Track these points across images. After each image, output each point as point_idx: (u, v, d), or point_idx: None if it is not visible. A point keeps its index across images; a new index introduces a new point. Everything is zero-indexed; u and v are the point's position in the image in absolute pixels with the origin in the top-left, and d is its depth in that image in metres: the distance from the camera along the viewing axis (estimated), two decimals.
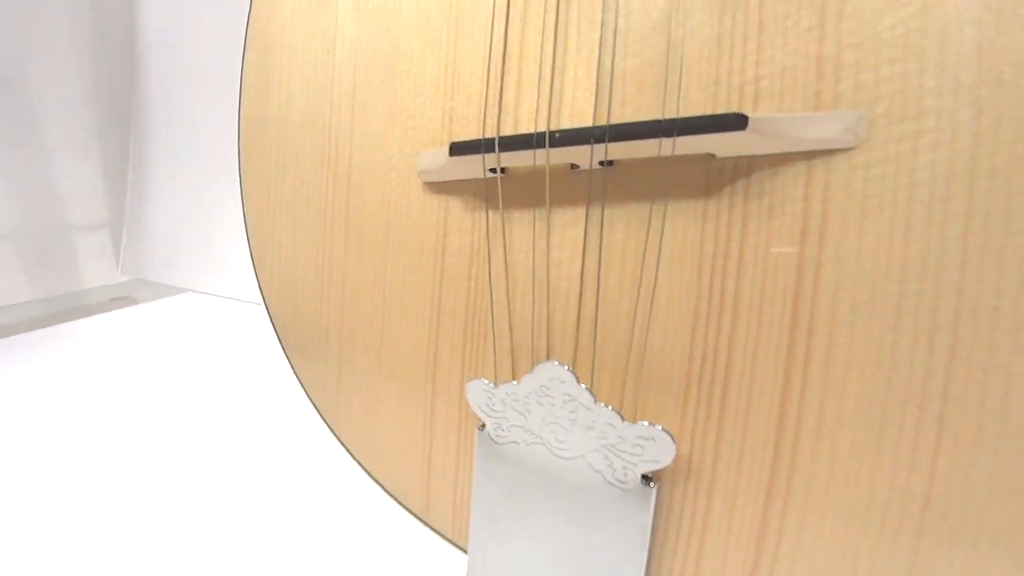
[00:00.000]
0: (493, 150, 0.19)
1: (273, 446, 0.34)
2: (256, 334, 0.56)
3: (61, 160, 0.70)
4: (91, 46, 0.71)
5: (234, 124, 0.34)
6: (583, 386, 0.18)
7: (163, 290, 0.69)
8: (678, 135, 0.16)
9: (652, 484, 0.17)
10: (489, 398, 0.20)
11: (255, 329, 0.57)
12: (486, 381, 0.20)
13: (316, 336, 0.29)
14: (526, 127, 0.20)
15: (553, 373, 0.18)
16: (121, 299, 0.65)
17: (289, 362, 0.31)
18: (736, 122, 0.15)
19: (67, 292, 0.68)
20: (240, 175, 0.32)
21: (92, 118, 0.73)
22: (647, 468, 0.17)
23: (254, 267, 0.31)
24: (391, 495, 0.28)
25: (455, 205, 0.23)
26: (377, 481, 0.28)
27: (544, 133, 0.18)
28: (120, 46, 0.73)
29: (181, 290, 0.69)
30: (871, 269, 0.15)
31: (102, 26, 0.72)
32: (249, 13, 0.31)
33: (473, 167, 0.21)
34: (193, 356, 0.49)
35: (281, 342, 0.31)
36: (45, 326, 0.57)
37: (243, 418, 0.38)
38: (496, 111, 0.21)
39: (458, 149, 0.20)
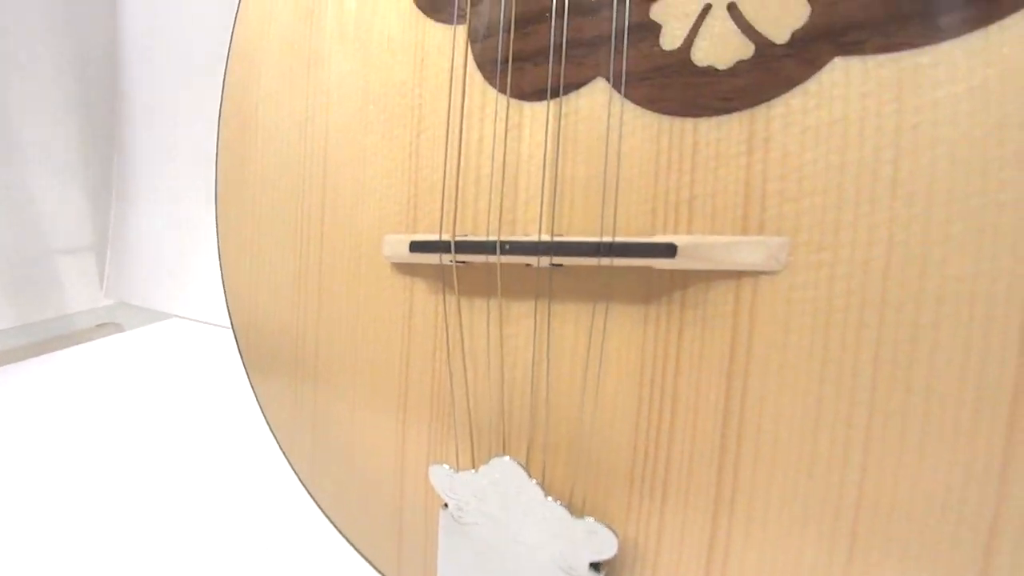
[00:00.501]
0: (449, 251, 0.20)
1: (260, 490, 0.35)
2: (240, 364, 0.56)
3: (44, 183, 0.70)
4: (74, 69, 0.71)
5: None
6: (534, 481, 0.19)
7: (148, 316, 0.70)
8: (615, 256, 0.17)
9: (601, 571, 0.19)
10: (450, 482, 0.21)
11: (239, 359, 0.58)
12: (447, 466, 0.21)
13: (292, 404, 0.30)
14: (483, 225, 0.21)
15: (506, 468, 0.19)
16: (106, 326, 0.66)
17: (269, 427, 0.32)
18: (666, 251, 0.16)
19: (51, 317, 0.69)
20: (217, 233, 0.33)
21: (75, 141, 0.73)
22: (594, 558, 0.18)
23: (233, 332, 0.32)
24: (367, 560, 0.29)
25: (420, 287, 0.24)
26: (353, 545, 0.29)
27: (495, 242, 0.19)
28: (103, 68, 0.73)
29: (166, 315, 0.70)
30: (792, 383, 0.16)
31: (85, 49, 0.71)
32: (224, 82, 0.32)
33: (433, 257, 0.22)
34: (179, 390, 0.50)
35: (262, 409, 0.32)
36: (30, 356, 0.57)
37: (228, 456, 0.39)
38: (454, 207, 0.22)
39: (417, 247, 0.21)
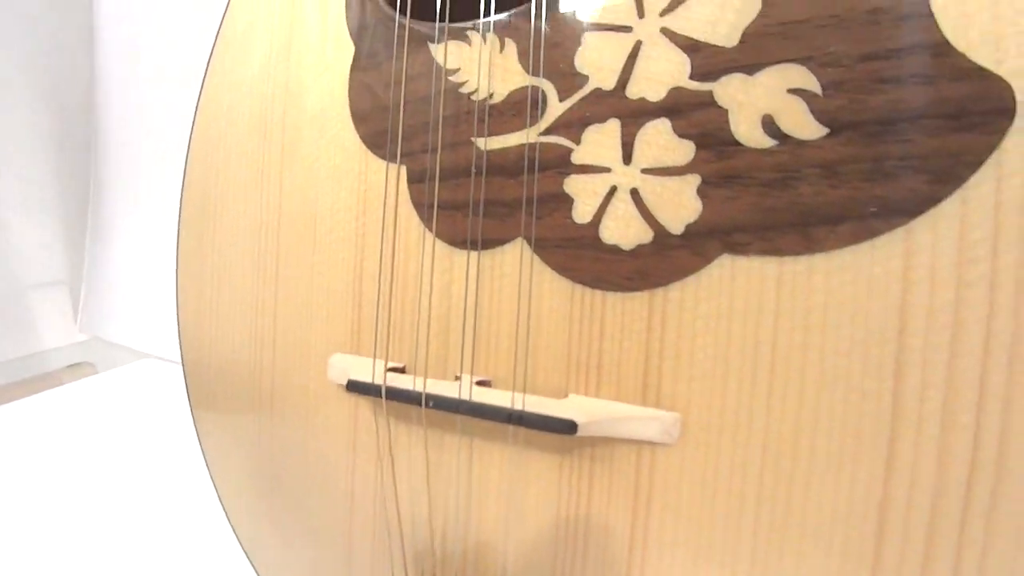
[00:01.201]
0: (381, 396, 0.21)
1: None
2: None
3: (19, 218, 0.70)
4: (50, 103, 0.71)
5: None
6: None
7: (123, 355, 0.70)
8: (523, 426, 0.18)
9: None
10: None
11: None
12: None
13: (251, 519, 0.30)
14: (417, 358, 0.22)
15: None
16: (79, 366, 0.66)
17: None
18: (567, 428, 0.17)
19: (25, 354, 0.69)
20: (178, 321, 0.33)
21: (50, 175, 0.73)
22: None
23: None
24: None
25: (364, 407, 0.25)
26: None
27: (421, 394, 0.20)
28: (80, 102, 0.73)
29: (141, 354, 0.70)
30: (685, 541, 0.18)
31: (61, 83, 0.71)
32: (187, 158, 0.32)
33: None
34: (154, 436, 0.51)
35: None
36: (1, 401, 0.58)
37: (202, 511, 0.39)
38: (388, 340, 0.23)
39: (353, 387, 0.22)
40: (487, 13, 0.21)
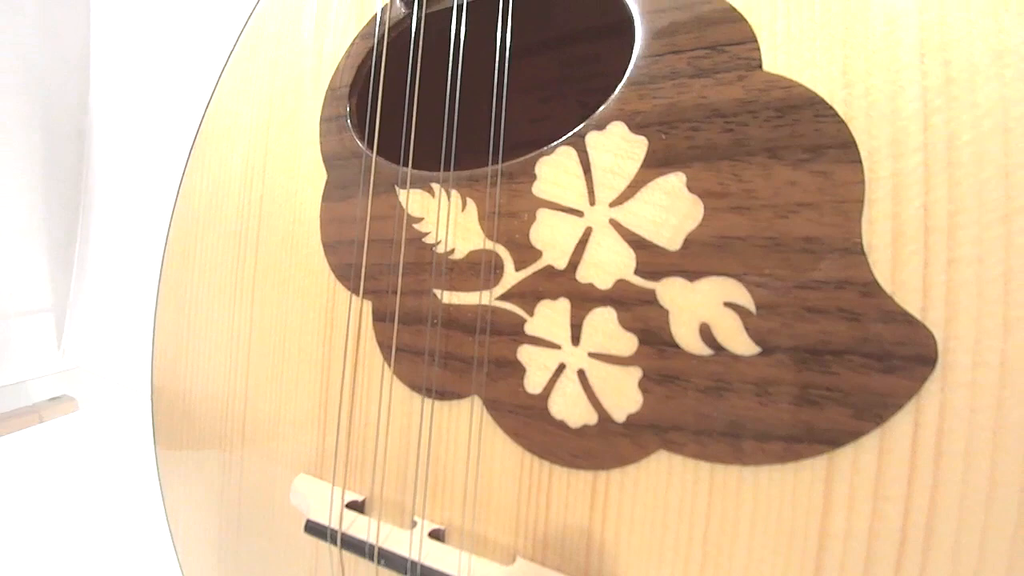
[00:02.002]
0: (336, 543, 0.22)
1: None
2: None
3: (4, 244, 0.70)
4: (42, 129, 0.71)
5: None
6: None
7: (105, 387, 0.70)
8: None
9: None
10: None
11: None
12: None
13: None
14: (372, 491, 0.23)
15: None
16: (60, 399, 0.67)
17: None
18: None
19: (4, 383, 0.69)
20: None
21: (39, 201, 0.73)
22: None
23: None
24: None
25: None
26: None
27: (373, 547, 0.20)
28: (71, 128, 0.73)
29: (124, 386, 0.70)
30: None
31: (53, 111, 0.71)
32: (163, 259, 0.33)
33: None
34: (137, 477, 0.51)
35: None
36: None
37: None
38: (347, 473, 0.23)
39: (310, 529, 0.22)
40: (447, 167, 0.22)
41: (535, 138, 0.36)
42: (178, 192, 0.33)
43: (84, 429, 0.61)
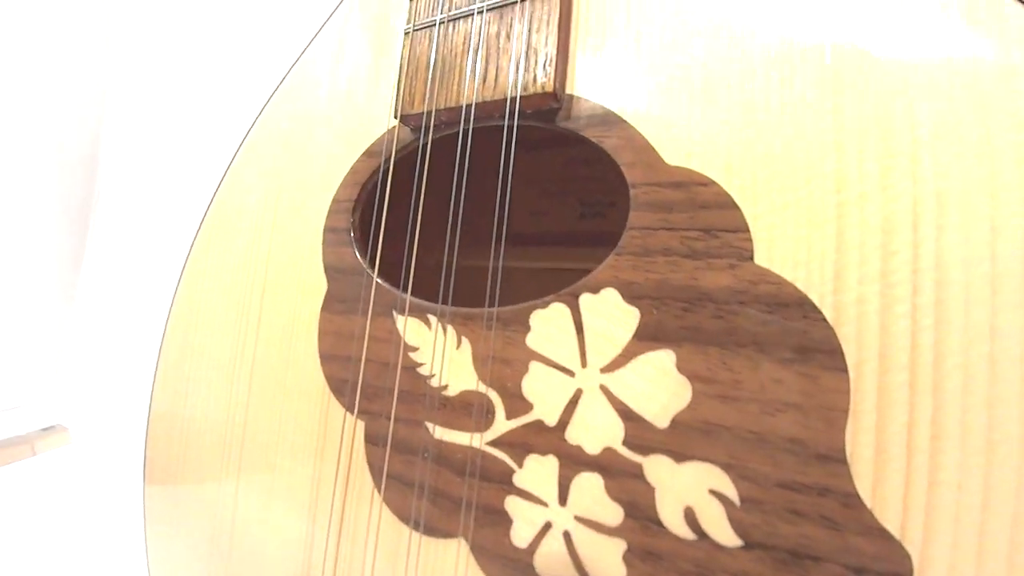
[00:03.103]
0: None
1: None
2: None
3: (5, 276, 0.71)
4: (50, 167, 0.72)
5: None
6: None
7: (100, 416, 0.70)
8: None
9: None
10: None
11: None
12: None
13: None
14: None
15: None
16: (53, 430, 0.67)
17: None
18: None
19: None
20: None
21: (41, 229, 0.74)
22: None
23: None
24: None
25: None
26: None
27: None
28: (82, 158, 0.74)
29: (119, 415, 0.71)
30: None
31: (63, 154, 0.72)
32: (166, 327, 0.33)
33: None
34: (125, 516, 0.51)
35: None
36: None
37: None
38: None
39: None
40: (445, 299, 0.22)
41: (533, 231, 0.36)
42: (188, 256, 0.34)
43: (76, 463, 0.61)
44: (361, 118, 0.26)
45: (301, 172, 0.28)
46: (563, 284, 0.34)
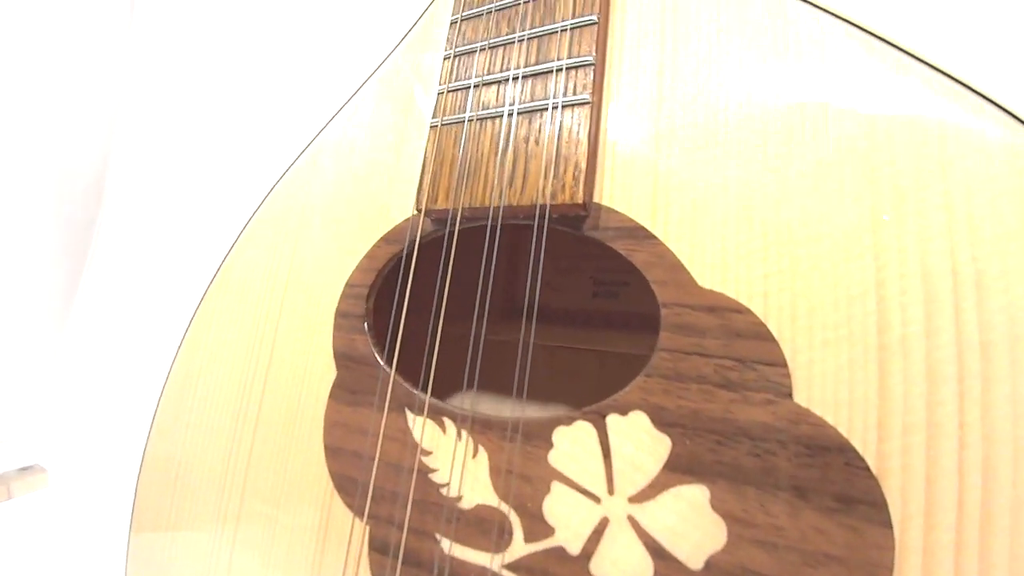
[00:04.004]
0: None
1: None
2: None
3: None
4: (53, 209, 0.71)
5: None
6: None
7: (78, 456, 0.67)
8: None
9: None
10: None
11: None
12: None
13: None
14: None
15: None
16: (31, 470, 0.64)
17: None
18: None
19: None
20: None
21: (33, 260, 0.72)
22: None
23: None
24: None
25: None
26: None
27: None
28: (90, 178, 0.73)
29: (99, 456, 0.68)
30: None
31: (66, 190, 0.72)
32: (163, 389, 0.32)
33: None
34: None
35: None
36: None
37: None
38: None
39: None
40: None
41: (547, 303, 0.36)
42: (190, 322, 0.33)
43: (54, 507, 0.59)
44: (379, 204, 0.26)
45: (314, 252, 0.27)
46: (578, 366, 0.33)
